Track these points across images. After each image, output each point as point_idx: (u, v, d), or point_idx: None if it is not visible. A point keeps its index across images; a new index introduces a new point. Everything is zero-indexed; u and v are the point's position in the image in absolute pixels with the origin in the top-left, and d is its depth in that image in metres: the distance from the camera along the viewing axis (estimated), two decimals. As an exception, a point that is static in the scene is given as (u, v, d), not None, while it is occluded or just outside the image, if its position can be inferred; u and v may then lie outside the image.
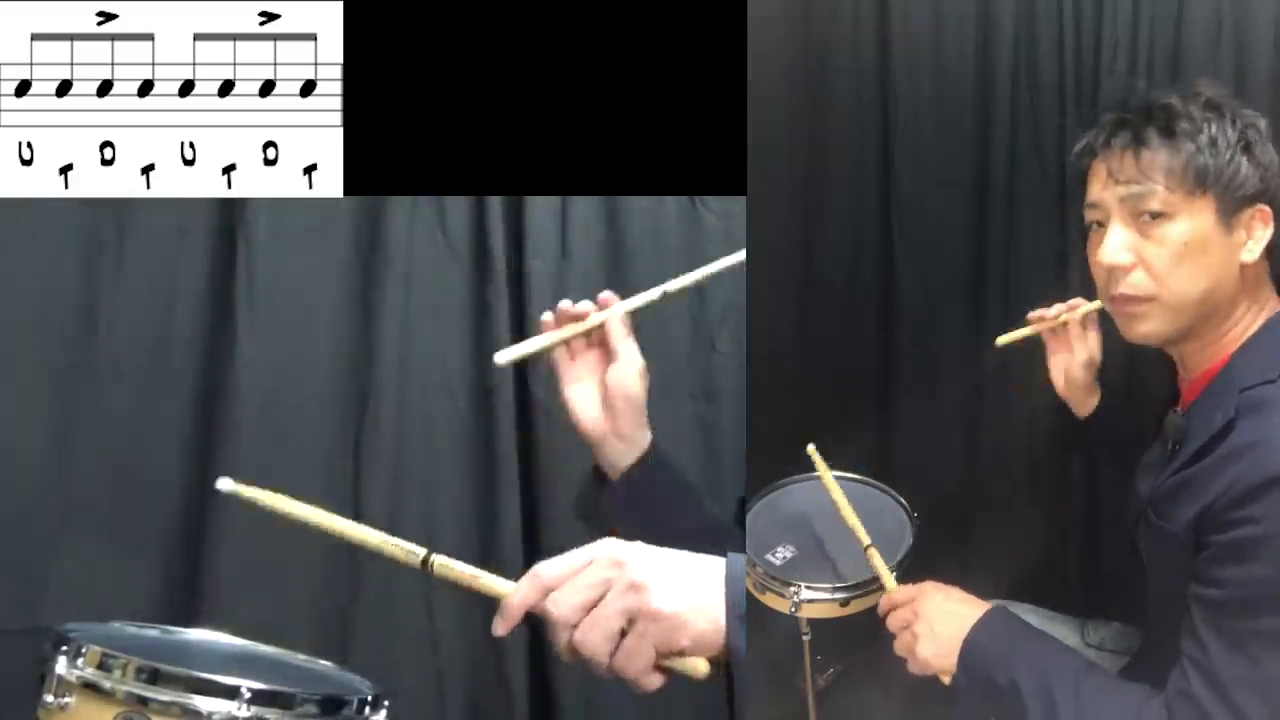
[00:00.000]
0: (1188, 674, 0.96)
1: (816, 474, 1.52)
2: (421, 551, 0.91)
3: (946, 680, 1.11)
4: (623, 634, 0.84)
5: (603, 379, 1.19)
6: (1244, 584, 0.93)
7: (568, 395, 1.21)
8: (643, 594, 0.84)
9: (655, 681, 0.85)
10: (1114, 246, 1.05)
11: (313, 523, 0.94)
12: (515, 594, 0.86)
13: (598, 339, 1.20)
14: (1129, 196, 1.05)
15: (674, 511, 1.21)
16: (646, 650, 0.84)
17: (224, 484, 0.95)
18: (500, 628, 0.88)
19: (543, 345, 1.19)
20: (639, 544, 0.88)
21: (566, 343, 1.20)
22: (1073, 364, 1.38)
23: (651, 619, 0.84)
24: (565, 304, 1.20)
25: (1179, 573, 1.00)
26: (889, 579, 1.24)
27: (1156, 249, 1.04)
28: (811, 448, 1.43)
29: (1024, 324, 1.41)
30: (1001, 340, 1.42)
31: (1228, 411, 0.99)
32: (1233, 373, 1.04)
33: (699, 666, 0.85)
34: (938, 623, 1.13)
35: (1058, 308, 1.39)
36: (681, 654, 0.85)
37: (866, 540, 1.29)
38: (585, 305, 1.19)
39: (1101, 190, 1.08)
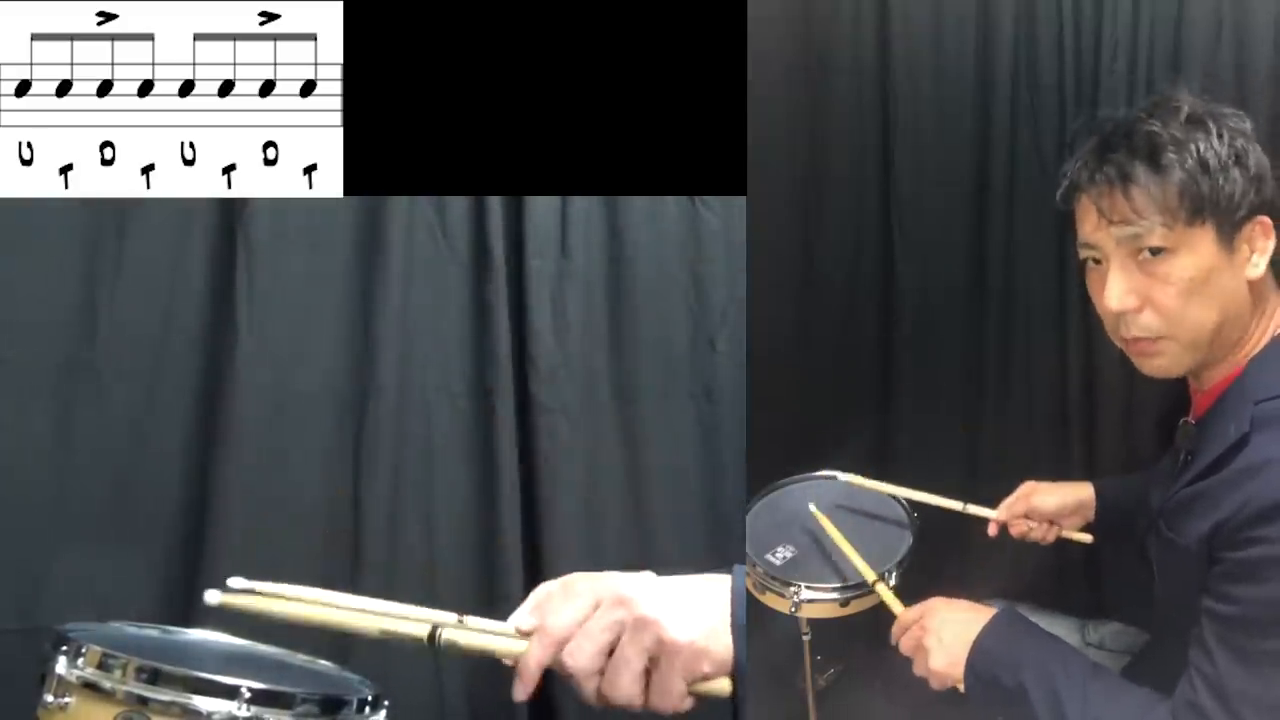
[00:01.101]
0: (1195, 686, 0.95)
1: (817, 475, 1.53)
2: (427, 628, 0.90)
3: (963, 689, 1.11)
4: (647, 672, 0.83)
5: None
6: (1257, 603, 0.93)
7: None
8: (657, 629, 0.83)
9: (687, 705, 0.85)
10: (1118, 292, 1.02)
11: (312, 620, 0.93)
12: (529, 656, 0.85)
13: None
14: (1125, 238, 1.01)
15: None
16: (676, 683, 0.84)
17: (211, 597, 0.96)
18: (520, 693, 0.87)
19: None
20: (641, 575, 0.87)
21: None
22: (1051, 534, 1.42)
23: (674, 653, 0.83)
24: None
25: (1189, 584, 1.00)
26: (897, 606, 1.23)
27: (1162, 287, 1.01)
28: (812, 506, 1.43)
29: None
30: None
31: (1242, 425, 0.98)
32: (1246, 384, 1.02)
33: (724, 686, 0.85)
34: (946, 632, 1.12)
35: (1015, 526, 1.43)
36: (705, 678, 0.85)
37: (872, 576, 1.28)
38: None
39: (1094, 231, 1.04)
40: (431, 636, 0.89)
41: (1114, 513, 1.38)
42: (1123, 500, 1.36)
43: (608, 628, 0.84)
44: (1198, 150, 1.00)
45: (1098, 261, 1.06)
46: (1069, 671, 1.04)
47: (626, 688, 0.83)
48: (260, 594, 0.95)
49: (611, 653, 0.84)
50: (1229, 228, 1.01)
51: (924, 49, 1.81)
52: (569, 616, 0.85)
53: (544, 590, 0.95)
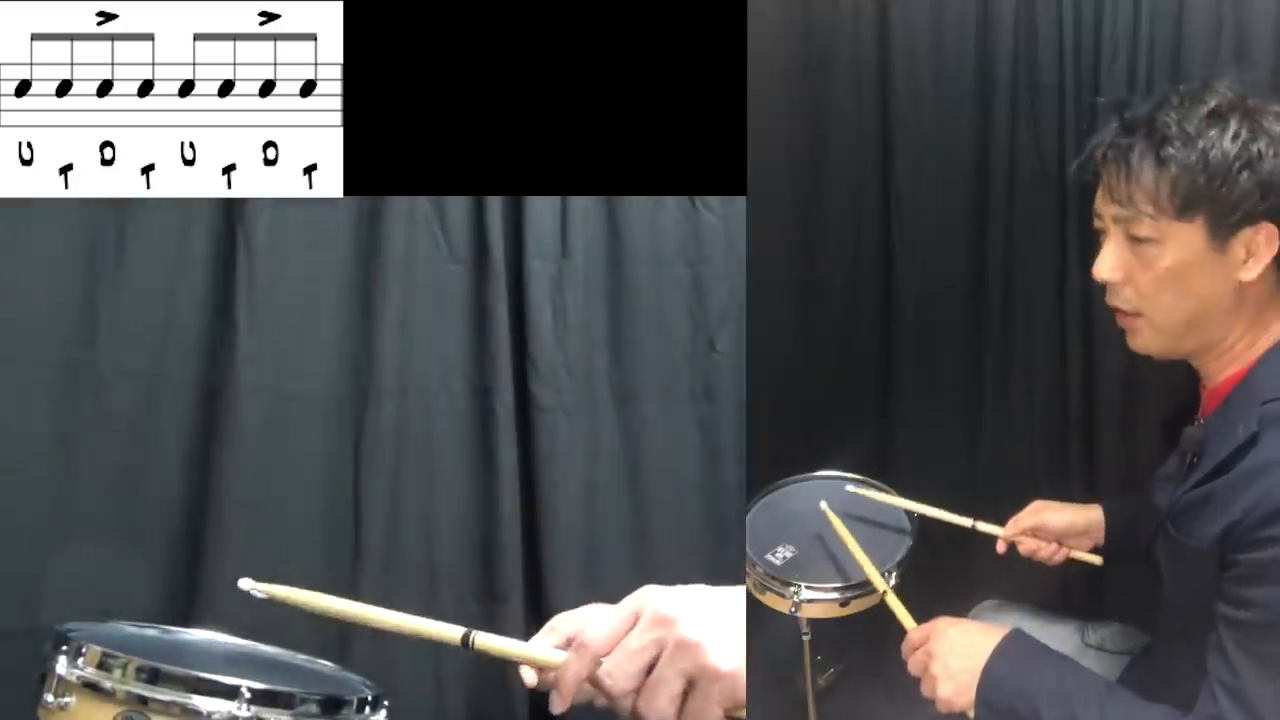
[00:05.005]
0: (1217, 697, 0.94)
1: (817, 474, 1.53)
2: (460, 631, 0.89)
3: (973, 715, 1.08)
4: (684, 693, 0.82)
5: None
6: (1274, 606, 0.92)
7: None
8: (698, 653, 0.81)
9: None
10: (1107, 264, 1.06)
11: (350, 616, 0.93)
12: (567, 669, 0.84)
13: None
14: (1119, 218, 1.05)
15: None
16: (713, 710, 0.83)
17: (246, 584, 0.97)
18: (558, 706, 0.86)
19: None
20: (679, 590, 0.86)
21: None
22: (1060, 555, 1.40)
23: (713, 679, 0.82)
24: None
25: (1199, 586, 0.99)
26: (908, 620, 1.21)
27: (1143, 271, 1.04)
28: (824, 504, 1.42)
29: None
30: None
31: (1250, 425, 0.97)
32: (1253, 384, 1.02)
33: None
34: (952, 659, 1.10)
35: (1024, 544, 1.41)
36: (742, 706, 0.84)
37: (883, 586, 1.27)
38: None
39: (1101, 204, 1.08)
40: (466, 639, 0.89)
41: (1123, 535, 1.37)
42: (1131, 522, 1.35)
43: (648, 646, 0.82)
44: (1205, 148, 0.99)
45: (1100, 231, 1.09)
46: (1085, 695, 1.02)
47: (662, 709, 0.82)
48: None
49: (650, 671, 0.82)
50: (1224, 228, 1.00)
51: (924, 49, 1.81)
52: (607, 629, 0.84)
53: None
